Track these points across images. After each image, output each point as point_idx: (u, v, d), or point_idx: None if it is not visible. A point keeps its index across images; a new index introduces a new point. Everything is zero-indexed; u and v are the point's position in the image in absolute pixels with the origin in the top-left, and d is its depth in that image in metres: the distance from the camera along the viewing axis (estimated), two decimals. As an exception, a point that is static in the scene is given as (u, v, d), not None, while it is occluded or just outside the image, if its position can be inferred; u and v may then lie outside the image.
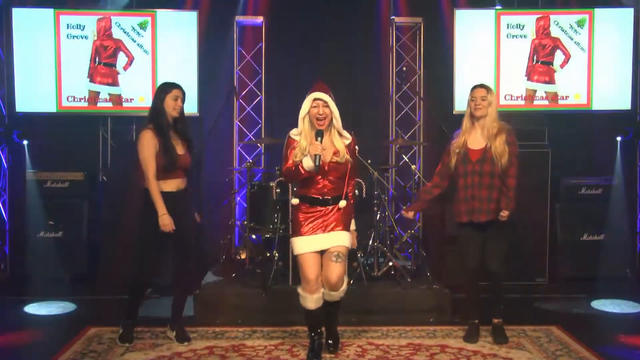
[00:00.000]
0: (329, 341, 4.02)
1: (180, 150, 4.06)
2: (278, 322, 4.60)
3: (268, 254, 5.16)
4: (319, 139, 3.66)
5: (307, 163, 3.64)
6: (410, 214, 4.44)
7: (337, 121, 3.75)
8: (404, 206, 6.35)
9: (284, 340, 4.29)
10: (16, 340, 4.39)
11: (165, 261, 4.29)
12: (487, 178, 4.07)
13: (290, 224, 3.96)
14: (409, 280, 5.08)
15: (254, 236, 5.51)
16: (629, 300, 5.26)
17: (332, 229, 3.77)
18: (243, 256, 5.53)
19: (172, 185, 4.03)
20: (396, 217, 6.25)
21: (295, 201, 3.82)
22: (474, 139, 4.14)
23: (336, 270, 3.75)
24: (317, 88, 3.74)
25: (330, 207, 3.78)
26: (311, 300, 3.78)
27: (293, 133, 3.81)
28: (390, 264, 5.16)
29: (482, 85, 4.21)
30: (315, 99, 3.69)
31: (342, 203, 3.80)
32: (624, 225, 5.92)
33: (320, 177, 3.74)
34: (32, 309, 5.02)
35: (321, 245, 3.76)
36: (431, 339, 4.33)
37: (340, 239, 3.78)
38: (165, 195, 3.97)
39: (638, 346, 4.26)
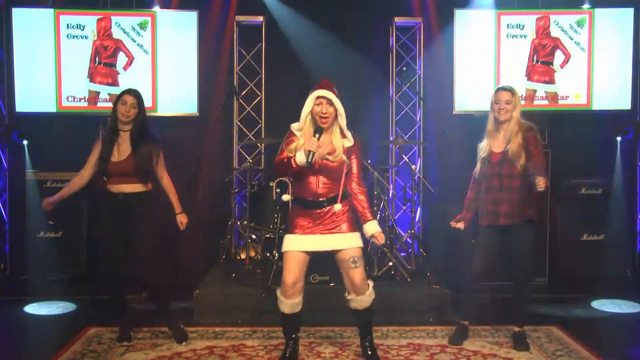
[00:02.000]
0: None
1: (119, 157, 4.05)
2: (278, 322, 4.56)
3: (268, 254, 5.16)
4: (317, 135, 3.53)
5: (300, 158, 3.49)
6: (461, 225, 4.22)
7: (342, 119, 3.60)
8: (403, 206, 6.38)
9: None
10: (16, 340, 4.40)
11: (164, 262, 4.32)
12: (507, 180, 3.98)
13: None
14: (409, 280, 5.08)
15: (254, 236, 5.51)
16: (629, 300, 5.26)
17: (337, 231, 3.63)
18: (243, 256, 5.53)
19: (116, 188, 4.07)
20: (396, 217, 6.25)
21: (286, 197, 3.66)
22: (497, 142, 4.08)
23: (358, 274, 3.63)
24: (321, 85, 3.61)
25: (326, 209, 3.63)
26: (286, 305, 3.68)
27: (294, 127, 3.68)
28: (390, 264, 5.16)
29: (506, 88, 4.09)
30: (318, 97, 3.56)
31: (337, 207, 3.64)
32: (624, 225, 5.92)
33: (312, 175, 3.60)
34: (32, 309, 5.02)
35: (317, 246, 3.63)
36: (431, 339, 4.33)
37: (352, 241, 3.65)
38: (108, 195, 4.08)
39: (638, 346, 4.26)
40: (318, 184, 3.62)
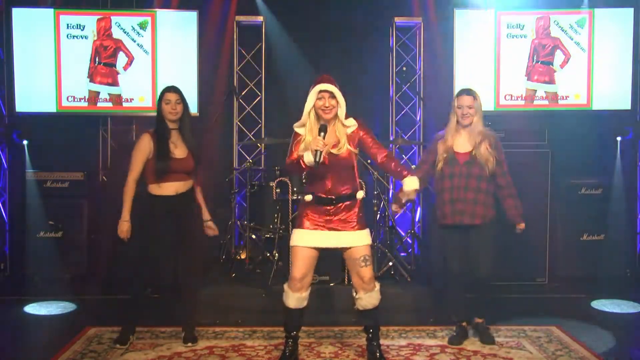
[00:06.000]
0: None
1: (179, 154, 4.04)
2: (278, 322, 4.56)
3: (268, 254, 5.17)
4: (322, 134, 3.52)
5: (308, 158, 3.49)
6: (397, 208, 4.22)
7: (342, 110, 3.60)
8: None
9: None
10: (16, 340, 4.40)
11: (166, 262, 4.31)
12: (475, 181, 4.05)
13: (295, 220, 3.87)
14: (409, 280, 5.08)
15: (254, 236, 5.51)
16: (629, 300, 5.26)
17: (347, 229, 3.63)
18: (243, 256, 5.53)
19: (170, 189, 4.02)
20: (396, 217, 6.25)
21: (308, 197, 3.65)
22: (460, 142, 4.11)
23: (368, 272, 3.65)
24: (322, 80, 3.61)
25: (335, 206, 3.63)
26: (292, 298, 3.67)
27: (296, 126, 3.68)
28: (390, 264, 5.16)
29: (468, 92, 4.14)
30: (321, 91, 3.57)
31: (360, 194, 3.68)
32: (624, 225, 5.92)
33: (325, 171, 3.60)
34: (32, 309, 5.02)
35: (325, 242, 3.63)
36: (431, 339, 4.33)
37: (362, 239, 3.66)
38: (163, 199, 4.01)
39: (638, 346, 4.26)
40: (331, 179, 3.63)
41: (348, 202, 3.66)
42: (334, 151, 3.59)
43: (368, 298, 3.69)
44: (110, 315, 4.63)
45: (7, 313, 4.94)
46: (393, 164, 3.66)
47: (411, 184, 3.63)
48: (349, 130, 3.65)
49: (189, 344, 4.16)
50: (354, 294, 3.74)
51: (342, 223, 3.65)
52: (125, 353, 4.03)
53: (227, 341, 4.28)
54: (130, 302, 4.20)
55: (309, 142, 3.56)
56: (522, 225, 4.22)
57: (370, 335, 3.80)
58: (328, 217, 3.65)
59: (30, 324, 4.73)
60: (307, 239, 3.64)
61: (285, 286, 3.72)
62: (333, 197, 3.64)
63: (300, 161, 3.54)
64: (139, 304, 4.19)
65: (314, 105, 3.60)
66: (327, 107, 3.56)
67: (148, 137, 4.03)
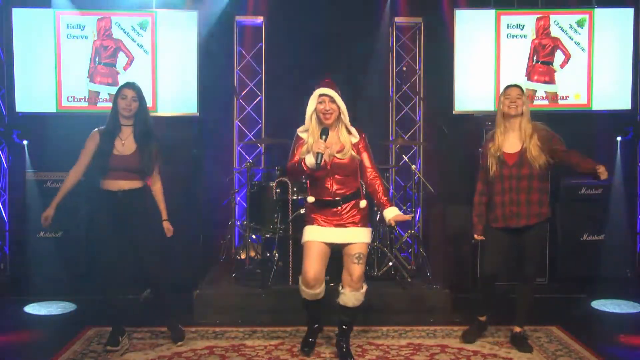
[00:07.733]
0: None
1: (124, 151, 3.99)
2: (278, 322, 4.60)
3: (268, 254, 5.17)
4: (324, 137, 3.60)
5: (309, 160, 3.59)
6: (481, 236, 4.16)
7: (345, 116, 3.69)
8: (403, 206, 6.37)
9: (284, 340, 4.29)
10: (16, 340, 4.40)
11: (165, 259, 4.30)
12: (525, 181, 3.99)
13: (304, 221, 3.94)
14: (409, 280, 5.08)
15: (254, 236, 5.51)
16: (629, 300, 5.26)
17: (350, 225, 3.73)
18: (243, 256, 5.53)
19: (113, 185, 3.99)
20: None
21: (311, 199, 3.74)
22: (509, 141, 4.05)
23: (358, 270, 3.72)
24: (322, 84, 3.68)
25: (342, 207, 3.73)
26: (307, 294, 3.80)
27: (300, 130, 3.77)
28: (390, 264, 5.16)
29: (516, 85, 4.12)
30: (321, 95, 3.64)
31: (363, 203, 3.76)
32: (624, 225, 5.92)
33: (326, 175, 3.70)
34: (32, 309, 5.02)
35: (333, 238, 3.72)
36: (431, 339, 4.33)
37: (361, 236, 3.74)
38: (106, 195, 3.99)
39: (638, 346, 4.26)
40: (333, 183, 3.71)
41: (353, 202, 3.75)
42: (338, 155, 3.66)
43: (351, 296, 3.76)
44: (107, 318, 4.62)
45: (7, 313, 4.94)
46: (380, 189, 3.76)
47: (390, 215, 3.74)
48: (353, 140, 3.72)
49: (179, 343, 4.16)
50: (340, 288, 3.81)
51: (346, 220, 3.73)
52: (126, 353, 4.03)
53: (227, 341, 4.28)
54: (106, 303, 4.16)
55: (311, 145, 3.63)
56: (602, 169, 3.92)
57: (341, 330, 3.88)
58: (336, 217, 3.73)
59: (30, 324, 4.74)
60: (318, 234, 3.72)
61: (300, 282, 3.80)
62: (338, 198, 3.72)
63: (302, 163, 3.61)
64: (115, 304, 4.13)
65: (315, 109, 3.66)
66: (327, 111, 3.64)
67: (96, 134, 4.07)
